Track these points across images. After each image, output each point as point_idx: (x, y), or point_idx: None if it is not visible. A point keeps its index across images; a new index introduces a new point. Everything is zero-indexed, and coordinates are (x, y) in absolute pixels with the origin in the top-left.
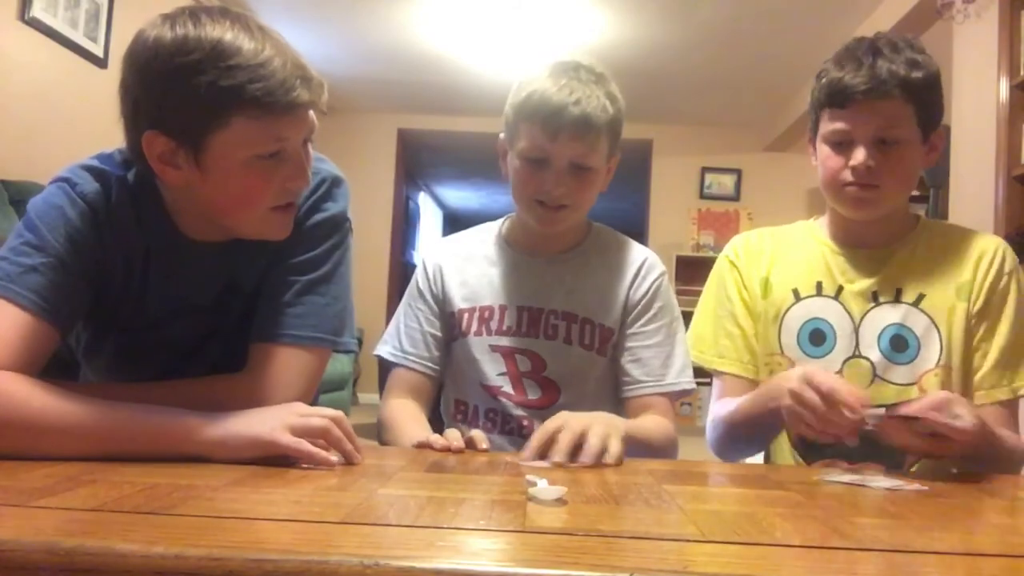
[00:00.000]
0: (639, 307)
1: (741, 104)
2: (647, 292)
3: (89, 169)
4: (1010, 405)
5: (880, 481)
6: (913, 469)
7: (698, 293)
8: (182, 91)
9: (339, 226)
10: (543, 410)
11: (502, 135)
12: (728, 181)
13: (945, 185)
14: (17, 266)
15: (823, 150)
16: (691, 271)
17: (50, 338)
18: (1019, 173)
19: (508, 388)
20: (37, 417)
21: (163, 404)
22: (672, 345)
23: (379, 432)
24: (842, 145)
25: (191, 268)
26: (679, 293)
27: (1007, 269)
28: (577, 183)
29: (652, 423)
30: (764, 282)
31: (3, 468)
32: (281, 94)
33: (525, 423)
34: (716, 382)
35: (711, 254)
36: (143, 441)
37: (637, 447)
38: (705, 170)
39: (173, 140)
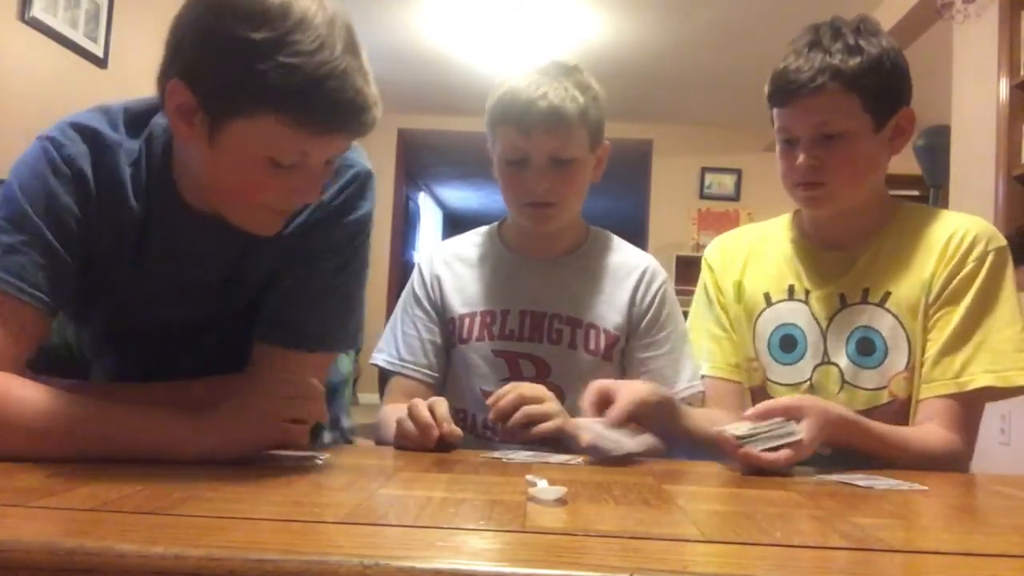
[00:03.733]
0: (648, 317)
1: (741, 104)
2: (654, 301)
3: (80, 129)
4: (960, 400)
5: (880, 482)
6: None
7: None
8: (229, 61)
9: (366, 226)
10: None
11: (488, 146)
12: (728, 181)
13: (945, 185)
14: None
15: (777, 149)
16: (691, 271)
17: (37, 321)
18: (1019, 173)
19: None
20: (13, 418)
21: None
22: (681, 351)
23: (376, 437)
24: (790, 143)
25: (195, 244)
26: (679, 293)
27: (975, 255)
28: (560, 177)
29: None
30: (738, 286)
31: (3, 468)
32: (323, 117)
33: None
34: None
35: None
36: (126, 446)
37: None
38: (705, 170)
39: (197, 99)
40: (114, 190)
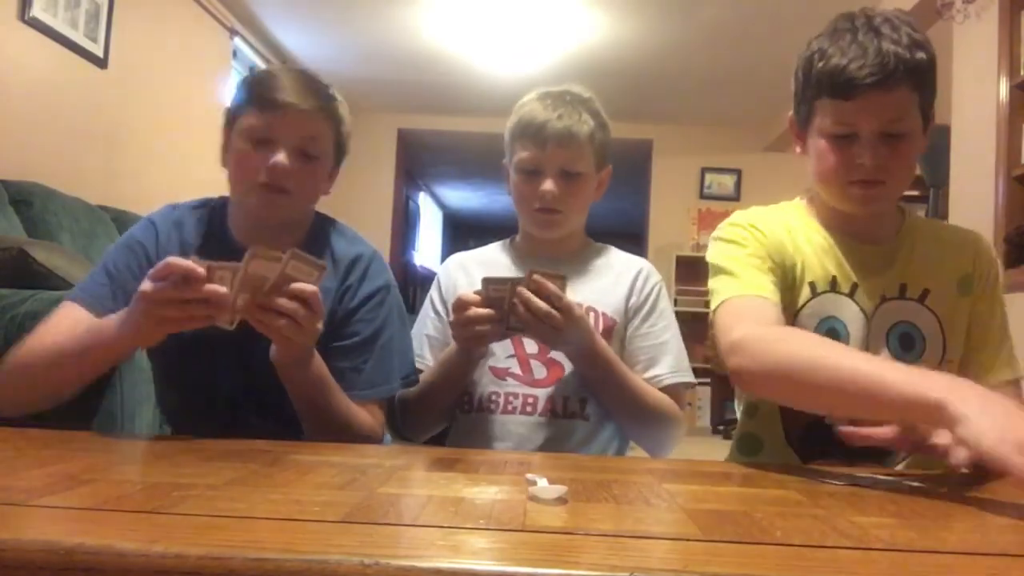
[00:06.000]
0: (645, 308)
1: (741, 104)
2: (650, 294)
3: (170, 206)
4: (1016, 384)
5: (875, 479)
6: (900, 466)
7: (698, 293)
8: (236, 95)
9: (380, 296)
10: (549, 387)
11: (505, 160)
12: (728, 181)
13: (945, 185)
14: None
15: (819, 143)
16: (691, 271)
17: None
18: (1019, 173)
19: (516, 369)
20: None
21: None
22: (677, 342)
23: (404, 416)
24: (845, 139)
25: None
26: (679, 293)
27: (993, 255)
28: (567, 187)
29: (656, 392)
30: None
31: (3, 468)
32: (272, 93)
33: (531, 400)
34: (732, 307)
35: None
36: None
37: (623, 395)
38: (705, 170)
39: (227, 130)
40: (180, 234)
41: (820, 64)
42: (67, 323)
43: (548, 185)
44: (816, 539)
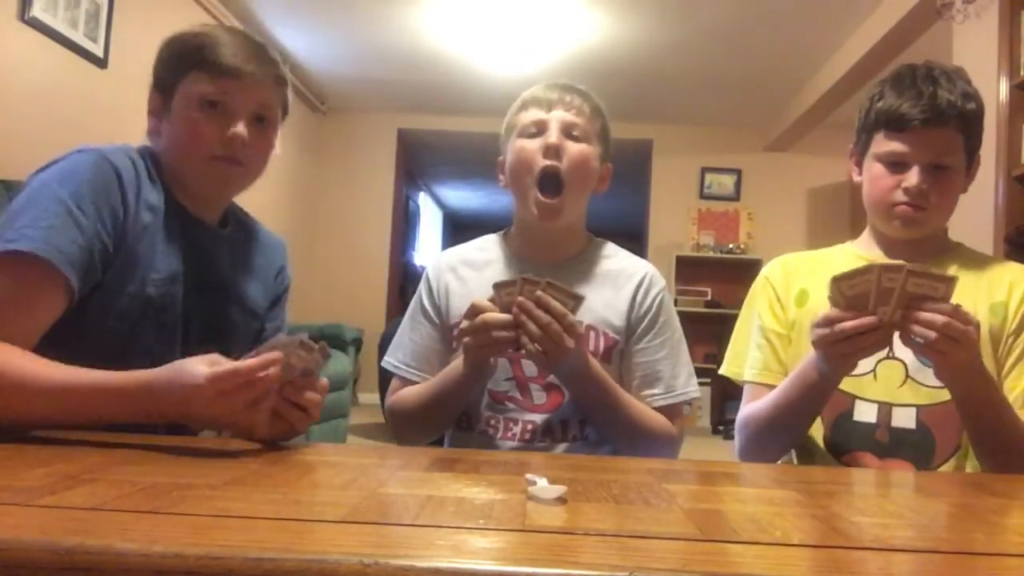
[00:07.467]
0: (645, 321)
1: (741, 104)
2: (651, 307)
3: (116, 147)
4: None
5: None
6: (941, 469)
7: (698, 293)
8: (166, 55)
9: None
10: (548, 413)
11: (501, 158)
12: (728, 181)
13: None
14: (47, 228)
15: (875, 169)
16: (691, 271)
17: (56, 299)
18: (1019, 173)
19: (515, 393)
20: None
21: None
22: (677, 356)
23: (396, 426)
24: (896, 166)
25: (184, 240)
26: (679, 293)
27: None
28: (571, 152)
29: (651, 413)
30: (801, 293)
31: (3, 467)
32: (224, 59)
33: (529, 427)
34: (745, 393)
35: (711, 254)
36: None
37: (615, 417)
38: (705, 170)
39: (159, 95)
40: (143, 184)
41: (879, 103)
42: (42, 315)
43: (550, 144)
44: (816, 539)
